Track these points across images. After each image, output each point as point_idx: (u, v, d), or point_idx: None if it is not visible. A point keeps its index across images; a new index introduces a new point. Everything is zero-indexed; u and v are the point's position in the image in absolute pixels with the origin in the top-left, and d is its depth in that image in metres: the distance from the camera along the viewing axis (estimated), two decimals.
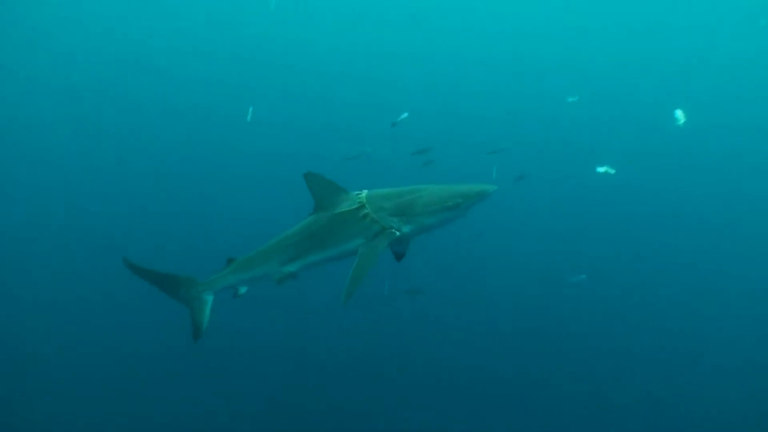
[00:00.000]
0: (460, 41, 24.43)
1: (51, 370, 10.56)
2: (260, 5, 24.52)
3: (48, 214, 16.29)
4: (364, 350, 10.75)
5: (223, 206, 16.23)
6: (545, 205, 16.25)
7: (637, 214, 17.49)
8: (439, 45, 24.40)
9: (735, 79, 22.78)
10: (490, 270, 13.21)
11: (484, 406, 10.32)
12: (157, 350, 10.46)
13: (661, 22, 23.64)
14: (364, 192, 4.49)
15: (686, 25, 23.46)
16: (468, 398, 10.34)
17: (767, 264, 14.97)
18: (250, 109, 10.22)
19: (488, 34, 24.55)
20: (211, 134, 19.98)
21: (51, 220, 15.96)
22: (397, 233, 4.29)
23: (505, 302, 12.26)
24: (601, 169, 8.19)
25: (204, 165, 18.70)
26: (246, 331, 10.63)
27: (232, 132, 19.79)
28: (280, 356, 10.70)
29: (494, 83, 23.19)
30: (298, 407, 9.75)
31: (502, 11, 25.05)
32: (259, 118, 20.42)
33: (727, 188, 19.14)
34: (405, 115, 10.29)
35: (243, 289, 5.00)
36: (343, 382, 10.26)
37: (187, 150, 19.41)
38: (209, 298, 4.99)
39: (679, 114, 7.18)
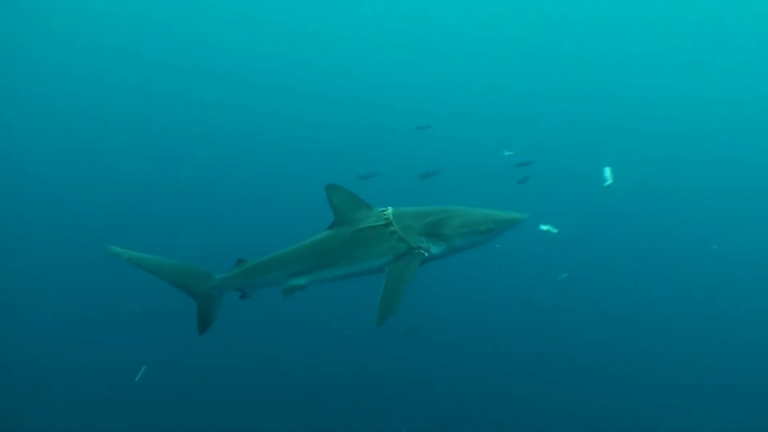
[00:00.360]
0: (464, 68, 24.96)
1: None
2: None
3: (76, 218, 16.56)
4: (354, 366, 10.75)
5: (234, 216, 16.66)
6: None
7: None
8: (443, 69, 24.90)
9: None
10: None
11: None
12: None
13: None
14: (390, 209, 4.29)
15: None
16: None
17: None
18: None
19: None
20: (228, 148, 20.62)
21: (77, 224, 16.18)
22: (426, 254, 4.09)
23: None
24: (544, 227, 8.13)
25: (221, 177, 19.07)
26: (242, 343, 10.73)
27: (251, 148, 20.46)
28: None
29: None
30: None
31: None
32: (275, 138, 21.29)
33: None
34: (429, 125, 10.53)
35: (251, 292, 4.90)
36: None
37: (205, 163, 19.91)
38: (220, 295, 4.88)
39: (608, 173, 7.05)
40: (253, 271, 4.74)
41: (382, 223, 4.18)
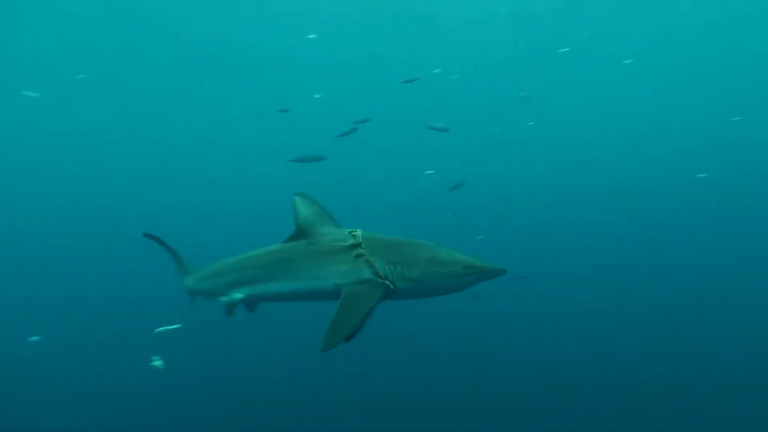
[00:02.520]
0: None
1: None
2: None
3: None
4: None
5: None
6: None
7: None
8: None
9: None
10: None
11: None
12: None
13: None
14: (359, 231, 3.89)
15: None
16: None
17: None
18: None
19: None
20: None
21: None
22: (391, 286, 3.58)
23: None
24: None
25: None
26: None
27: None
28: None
29: None
30: None
31: None
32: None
33: None
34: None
35: (202, 300, 5.10)
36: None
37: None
38: (192, 296, 5.37)
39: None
40: (202, 277, 4.91)
41: (348, 243, 3.77)
